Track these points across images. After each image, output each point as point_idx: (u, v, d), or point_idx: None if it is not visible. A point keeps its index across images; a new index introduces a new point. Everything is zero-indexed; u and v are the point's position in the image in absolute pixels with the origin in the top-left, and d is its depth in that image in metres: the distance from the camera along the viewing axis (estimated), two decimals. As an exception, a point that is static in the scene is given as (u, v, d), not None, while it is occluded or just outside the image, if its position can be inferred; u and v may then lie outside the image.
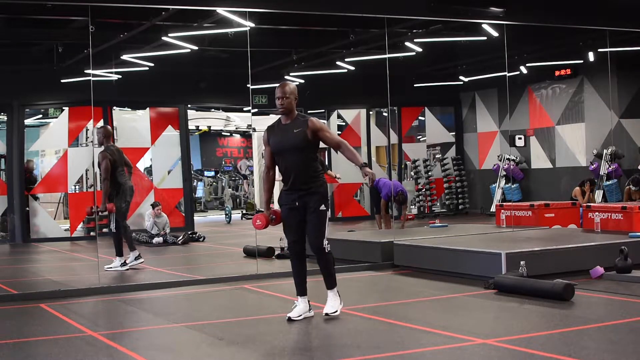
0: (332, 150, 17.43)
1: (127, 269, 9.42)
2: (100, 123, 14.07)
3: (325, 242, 5.93)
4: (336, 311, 5.99)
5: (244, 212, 20.37)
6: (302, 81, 16.44)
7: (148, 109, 15.81)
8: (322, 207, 5.90)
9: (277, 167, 6.09)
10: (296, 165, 5.91)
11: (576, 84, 16.12)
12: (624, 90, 15.32)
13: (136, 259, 9.54)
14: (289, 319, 5.89)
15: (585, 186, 13.29)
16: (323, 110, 17.74)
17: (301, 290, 6.03)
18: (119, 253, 9.50)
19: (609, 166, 14.77)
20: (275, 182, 6.23)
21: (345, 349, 5.21)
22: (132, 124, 16.10)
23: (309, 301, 6.05)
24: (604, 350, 4.82)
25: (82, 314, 6.79)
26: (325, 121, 17.49)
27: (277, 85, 6.03)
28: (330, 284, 6.04)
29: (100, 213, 9.54)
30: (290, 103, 5.94)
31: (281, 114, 6.01)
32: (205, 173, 25.45)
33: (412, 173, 18.30)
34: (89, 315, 6.89)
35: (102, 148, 9.53)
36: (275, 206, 6.24)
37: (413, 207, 17.91)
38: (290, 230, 6.04)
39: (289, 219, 6.01)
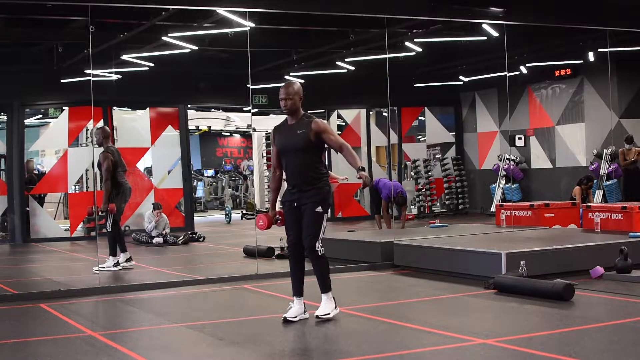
0: (332, 150, 17.45)
1: (120, 269, 9.44)
2: (100, 123, 14.07)
3: (319, 244, 5.84)
4: (328, 314, 5.87)
5: (244, 212, 20.39)
6: (302, 81, 16.40)
7: (148, 109, 15.81)
8: (319, 209, 5.86)
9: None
10: (298, 166, 5.91)
11: (576, 84, 16.12)
12: (624, 90, 15.32)
13: (127, 260, 9.54)
14: (285, 320, 5.88)
15: (584, 185, 13.16)
16: (323, 110, 17.73)
17: (298, 291, 6.00)
18: (113, 253, 9.50)
19: (609, 166, 14.76)
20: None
21: (345, 349, 5.21)
22: (132, 124, 16.10)
23: (304, 303, 6.03)
24: (604, 350, 4.82)
25: (82, 314, 6.79)
26: (326, 120, 17.50)
27: (280, 85, 6.02)
28: (324, 287, 5.94)
29: (101, 212, 9.53)
30: (294, 104, 5.93)
31: (286, 114, 6.02)
32: (205, 173, 25.46)
33: (412, 173, 18.30)
34: (89, 315, 6.89)
35: (102, 149, 9.56)
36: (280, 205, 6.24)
37: (413, 207, 17.91)
38: (290, 230, 6.02)
39: (289, 218, 6.01)
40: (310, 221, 5.86)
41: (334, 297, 5.99)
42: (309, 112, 6.09)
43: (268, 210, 6.21)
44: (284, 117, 6.18)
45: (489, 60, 15.43)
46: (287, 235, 6.12)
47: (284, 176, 6.14)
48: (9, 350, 5.28)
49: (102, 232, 13.28)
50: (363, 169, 5.72)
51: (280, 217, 6.11)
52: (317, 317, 5.86)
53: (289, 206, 6.00)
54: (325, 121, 6.07)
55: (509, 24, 11.12)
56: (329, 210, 6.07)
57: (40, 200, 15.28)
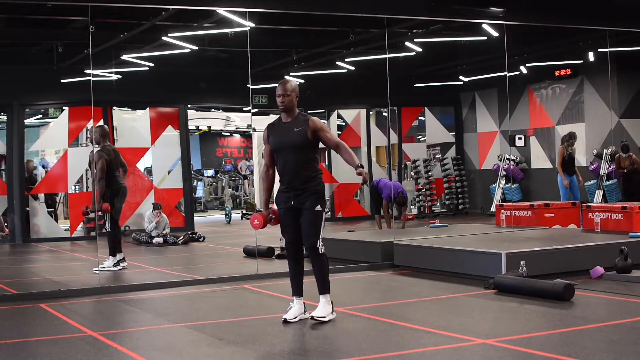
0: (332, 151, 17.46)
1: (120, 269, 9.42)
2: (100, 122, 14.07)
3: (320, 242, 5.84)
4: (324, 317, 5.81)
5: (244, 212, 20.38)
6: (302, 81, 16.44)
7: (148, 109, 15.80)
8: (318, 208, 5.87)
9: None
10: (294, 164, 5.89)
11: (576, 84, 16.12)
12: (624, 90, 15.32)
13: (120, 261, 9.47)
14: (285, 321, 5.88)
15: (566, 142, 12.82)
16: (323, 110, 17.73)
17: (297, 291, 6.00)
18: (113, 253, 9.48)
19: (609, 166, 14.76)
20: (275, 181, 6.21)
21: (345, 349, 5.21)
22: (132, 124, 16.10)
23: (304, 303, 6.03)
24: (604, 350, 4.82)
25: (82, 314, 6.79)
26: (325, 121, 17.50)
27: (277, 84, 6.01)
28: (322, 288, 5.91)
29: (92, 213, 9.44)
30: (291, 101, 5.92)
31: (282, 111, 5.99)
32: (205, 173, 25.46)
33: (412, 173, 18.30)
34: (89, 315, 6.89)
35: (98, 147, 9.47)
36: (275, 206, 6.22)
37: (413, 207, 17.90)
38: (287, 231, 6.00)
39: (286, 219, 5.99)
40: (310, 221, 5.86)
41: (332, 302, 5.95)
42: (309, 112, 6.10)
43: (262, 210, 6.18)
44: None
45: (489, 60, 15.41)
46: (284, 236, 6.09)
47: (277, 175, 6.11)
48: (9, 350, 5.28)
49: (102, 232, 13.33)
50: (362, 166, 5.75)
51: (274, 216, 6.09)
52: (312, 317, 5.84)
53: (284, 208, 5.98)
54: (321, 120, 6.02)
55: (509, 24, 11.12)
56: (326, 208, 6.02)
57: (50, 200, 15.27)
